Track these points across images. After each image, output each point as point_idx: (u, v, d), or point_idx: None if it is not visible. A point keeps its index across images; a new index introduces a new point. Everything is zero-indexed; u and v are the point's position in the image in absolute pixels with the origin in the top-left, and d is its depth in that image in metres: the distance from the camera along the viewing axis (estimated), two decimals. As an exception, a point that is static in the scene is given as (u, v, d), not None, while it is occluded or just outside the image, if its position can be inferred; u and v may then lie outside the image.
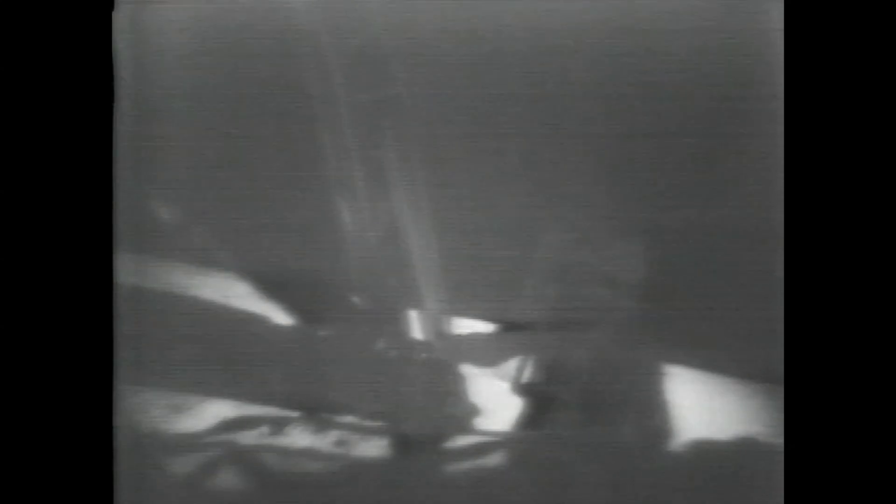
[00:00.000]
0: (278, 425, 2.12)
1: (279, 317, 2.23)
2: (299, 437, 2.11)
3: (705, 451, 2.05)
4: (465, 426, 2.12)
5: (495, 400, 2.15)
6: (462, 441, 2.10)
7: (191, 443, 2.10)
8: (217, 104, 2.14)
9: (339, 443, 2.11)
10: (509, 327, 2.21)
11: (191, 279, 2.20)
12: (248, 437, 2.11)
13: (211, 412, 2.13)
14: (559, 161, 2.12)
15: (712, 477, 2.01)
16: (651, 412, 2.10)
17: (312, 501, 2.06)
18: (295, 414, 2.13)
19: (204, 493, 2.06)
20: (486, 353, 2.20)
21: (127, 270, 2.02)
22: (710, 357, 2.11)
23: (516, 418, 2.12)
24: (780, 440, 1.67)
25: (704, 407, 2.09)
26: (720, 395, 2.10)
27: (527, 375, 2.16)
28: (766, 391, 2.05)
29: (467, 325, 2.24)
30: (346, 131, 2.15)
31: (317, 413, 2.13)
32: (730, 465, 2.02)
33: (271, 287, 2.22)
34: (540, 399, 2.13)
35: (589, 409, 2.10)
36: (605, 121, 2.09)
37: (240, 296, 2.22)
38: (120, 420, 1.72)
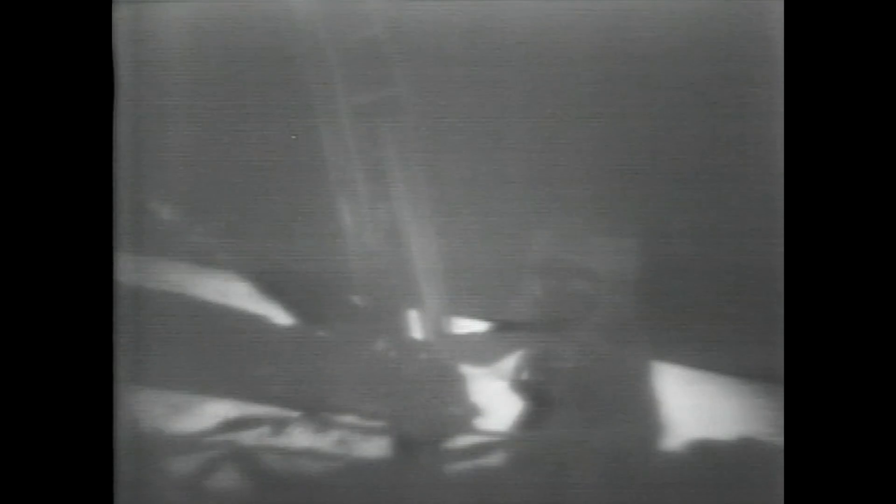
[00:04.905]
0: (278, 425, 2.12)
1: (279, 317, 2.22)
2: (299, 437, 2.11)
3: (705, 451, 2.05)
4: (465, 426, 2.12)
5: (496, 399, 2.15)
6: (462, 441, 2.10)
7: (191, 443, 2.10)
8: (217, 104, 2.14)
9: (340, 443, 2.11)
10: (510, 326, 2.20)
11: (191, 279, 2.20)
12: (248, 437, 2.11)
13: (211, 412, 2.13)
14: (560, 161, 2.12)
15: (712, 477, 2.01)
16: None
17: (312, 501, 2.06)
18: (295, 414, 2.13)
19: (204, 494, 2.06)
20: (486, 352, 2.19)
21: (127, 270, 2.02)
22: (709, 356, 2.11)
23: (516, 418, 2.12)
24: (780, 440, 1.67)
25: (704, 407, 2.09)
26: (720, 395, 2.10)
27: (527, 374, 2.16)
28: (766, 391, 2.05)
29: (468, 325, 2.23)
30: (346, 131, 2.15)
31: (317, 413, 2.13)
32: (730, 465, 2.02)
33: (271, 287, 2.22)
34: (540, 398, 2.13)
35: (587, 409, 2.10)
36: (605, 120, 2.09)
37: (240, 296, 2.22)
38: (120, 420, 1.72)
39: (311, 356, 2.18)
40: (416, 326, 2.23)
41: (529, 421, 2.12)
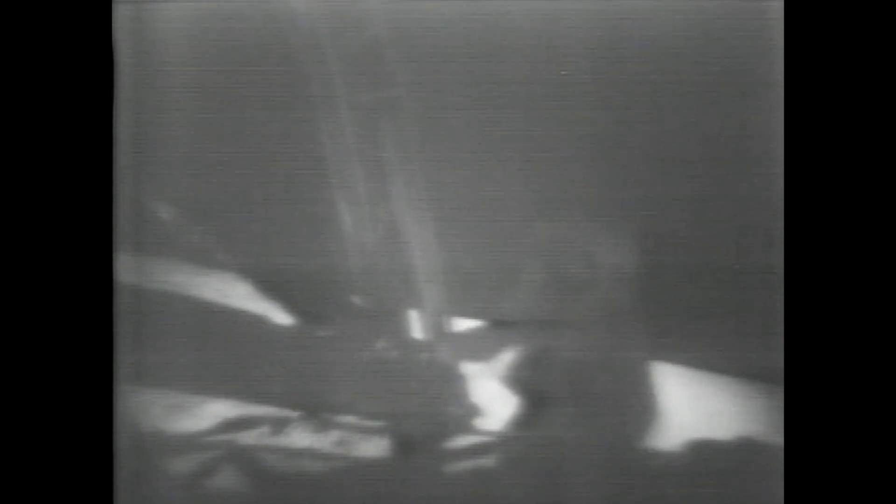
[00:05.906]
0: (278, 425, 2.12)
1: (279, 317, 2.23)
2: (299, 437, 2.11)
3: (705, 451, 2.05)
4: (465, 426, 2.12)
5: (495, 399, 2.15)
6: (462, 441, 2.10)
7: (191, 443, 2.10)
8: (217, 104, 2.15)
9: (339, 443, 2.11)
10: (509, 326, 2.21)
11: (191, 279, 2.20)
12: (248, 437, 2.11)
13: (211, 412, 2.13)
14: (559, 161, 2.12)
15: (712, 476, 2.01)
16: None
17: (312, 501, 2.06)
18: (295, 414, 2.13)
19: (204, 493, 2.06)
20: (486, 352, 2.20)
21: (127, 270, 2.02)
22: (709, 356, 2.11)
23: (516, 417, 2.12)
24: (780, 440, 1.67)
25: (704, 406, 2.09)
26: (720, 395, 2.10)
27: (526, 373, 2.17)
28: (766, 391, 2.05)
29: (467, 325, 2.24)
30: (347, 131, 2.15)
31: (317, 413, 2.13)
32: (729, 465, 2.02)
33: (271, 287, 2.22)
34: (541, 398, 2.13)
35: (587, 409, 2.10)
36: (606, 121, 2.10)
37: (240, 296, 2.22)
38: (120, 420, 1.72)
39: (311, 356, 2.18)
40: (416, 326, 2.23)
41: (528, 419, 2.12)
